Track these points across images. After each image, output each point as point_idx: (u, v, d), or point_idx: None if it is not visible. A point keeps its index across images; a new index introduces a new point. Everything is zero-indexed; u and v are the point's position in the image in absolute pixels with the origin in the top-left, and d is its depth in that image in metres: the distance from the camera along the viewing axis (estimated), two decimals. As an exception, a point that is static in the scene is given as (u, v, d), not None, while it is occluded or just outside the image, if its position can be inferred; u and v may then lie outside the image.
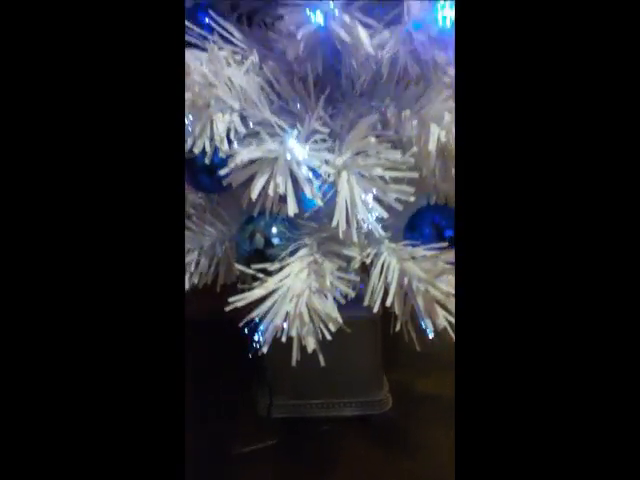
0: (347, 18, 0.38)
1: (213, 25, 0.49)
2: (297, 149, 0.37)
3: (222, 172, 0.38)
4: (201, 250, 0.47)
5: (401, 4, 0.41)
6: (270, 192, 0.36)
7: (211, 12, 0.48)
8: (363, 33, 0.38)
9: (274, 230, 0.45)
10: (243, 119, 0.42)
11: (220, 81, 0.40)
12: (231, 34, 0.48)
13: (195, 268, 0.46)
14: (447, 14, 0.36)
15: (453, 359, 0.30)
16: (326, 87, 0.49)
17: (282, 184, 0.36)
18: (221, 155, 0.39)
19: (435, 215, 0.47)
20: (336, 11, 0.38)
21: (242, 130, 0.40)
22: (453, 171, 0.43)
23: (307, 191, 0.37)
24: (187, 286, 0.45)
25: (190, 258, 0.46)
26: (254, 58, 0.46)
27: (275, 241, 0.45)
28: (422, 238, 0.48)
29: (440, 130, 0.44)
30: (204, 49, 0.47)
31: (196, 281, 0.46)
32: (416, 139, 0.45)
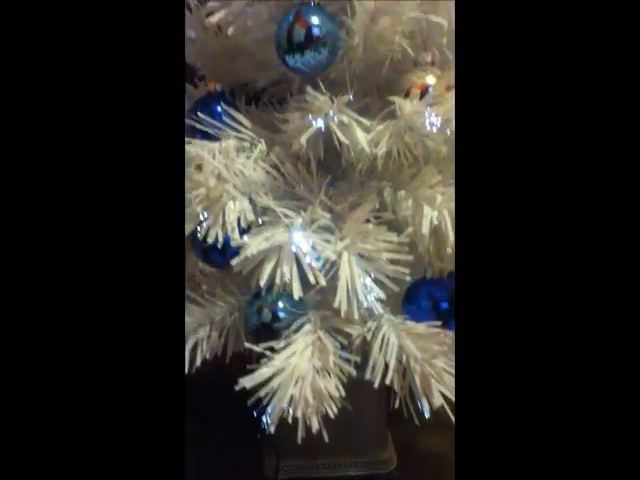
0: (345, 119, 0.43)
1: (224, 112, 0.54)
2: (301, 240, 0.41)
3: (233, 263, 0.42)
4: (212, 323, 0.50)
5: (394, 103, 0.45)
6: (277, 280, 0.40)
7: (222, 104, 0.54)
8: (360, 134, 0.42)
9: (280, 305, 0.48)
10: (252, 204, 0.46)
11: (231, 173, 0.44)
12: (240, 124, 0.52)
13: (207, 343, 0.49)
14: (435, 120, 0.40)
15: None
16: (328, 167, 0.53)
17: (288, 273, 0.39)
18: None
19: (431, 288, 0.50)
20: (335, 113, 0.42)
21: (251, 217, 0.44)
22: (447, 250, 0.46)
23: (310, 276, 0.40)
24: (198, 362, 0.48)
25: (202, 334, 0.49)
26: (262, 146, 0.51)
27: (281, 315, 0.48)
28: (419, 310, 0.51)
29: (433, 212, 0.47)
30: (216, 138, 0.52)
31: (207, 356, 0.49)
32: (411, 219, 0.49)
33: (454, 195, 0.47)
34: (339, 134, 0.42)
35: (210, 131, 0.52)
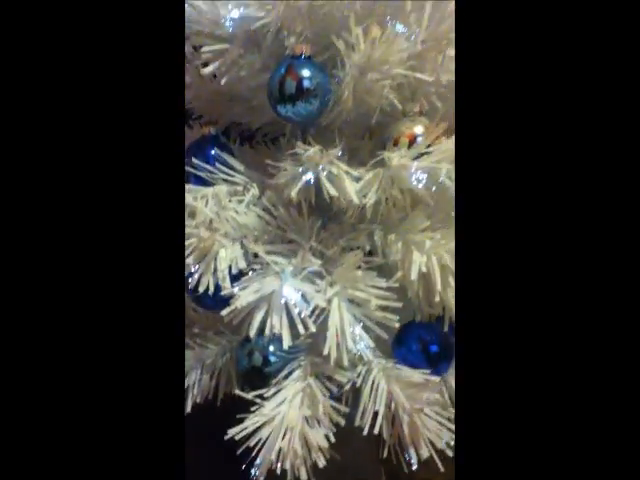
0: (334, 170, 0.44)
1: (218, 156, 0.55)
2: (291, 290, 0.42)
3: (223, 313, 0.42)
4: (203, 366, 0.50)
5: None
6: (267, 331, 0.40)
7: (216, 148, 0.55)
8: (349, 185, 0.43)
9: (271, 349, 0.49)
10: (244, 250, 0.47)
11: (223, 221, 0.45)
12: (233, 168, 0.54)
13: (198, 387, 0.49)
14: (421, 176, 0.41)
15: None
16: (320, 209, 0.54)
17: (277, 324, 0.40)
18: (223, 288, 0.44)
19: (421, 331, 0.51)
20: (325, 166, 0.44)
21: (243, 265, 0.45)
22: (437, 298, 0.47)
23: (300, 326, 0.41)
24: (189, 407, 0.48)
25: (193, 377, 0.49)
26: (254, 190, 0.52)
27: (272, 359, 0.49)
28: (409, 353, 0.51)
29: (422, 257, 0.48)
30: (209, 182, 0.53)
31: (198, 400, 0.49)
32: (400, 263, 0.49)
33: (442, 241, 0.48)
34: (328, 187, 0.43)
35: (203, 175, 0.53)
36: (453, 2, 0.47)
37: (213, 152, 0.56)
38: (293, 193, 0.44)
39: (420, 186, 0.42)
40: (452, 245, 0.48)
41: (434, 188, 0.42)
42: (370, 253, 0.52)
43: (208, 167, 0.53)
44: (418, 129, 0.49)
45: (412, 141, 0.49)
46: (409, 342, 0.51)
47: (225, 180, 0.53)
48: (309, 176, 0.43)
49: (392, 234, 0.51)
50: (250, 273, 0.46)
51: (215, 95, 0.57)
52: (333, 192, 0.43)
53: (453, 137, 0.51)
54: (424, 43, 0.45)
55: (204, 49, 0.49)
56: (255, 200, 0.52)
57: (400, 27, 0.43)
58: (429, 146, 0.48)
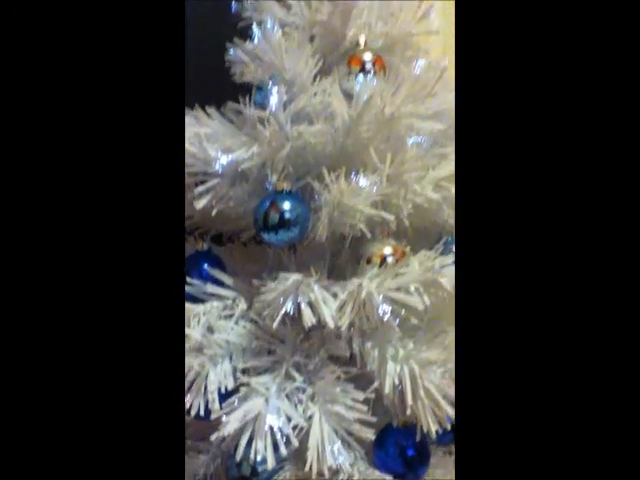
0: (312, 296, 0.49)
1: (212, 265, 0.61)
2: (274, 416, 0.46)
3: (212, 438, 0.47)
4: (195, 477, 0.53)
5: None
6: (251, 456, 0.44)
7: (208, 265, 0.61)
8: (325, 310, 0.49)
9: (259, 459, 0.52)
10: (232, 367, 0.52)
11: (213, 345, 0.50)
12: (223, 284, 0.59)
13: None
14: (386, 308, 0.47)
15: None
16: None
17: (262, 448, 0.44)
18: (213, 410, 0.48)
19: (398, 436, 0.55)
20: (304, 291, 0.49)
21: (231, 385, 0.49)
22: (408, 411, 0.51)
23: (282, 448, 0.45)
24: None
25: (185, 489, 0.52)
26: (243, 305, 0.58)
27: (260, 469, 0.52)
28: (387, 457, 0.55)
29: (396, 366, 0.53)
30: (201, 300, 0.59)
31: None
32: (377, 373, 0.54)
33: (413, 351, 0.53)
34: (305, 315, 0.48)
35: (195, 293, 0.58)
36: (411, 141, 0.55)
37: (205, 266, 0.62)
38: (275, 323, 0.49)
39: (386, 318, 0.48)
40: (423, 355, 0.53)
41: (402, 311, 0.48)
42: (351, 358, 0.56)
43: (201, 285, 0.59)
44: (387, 250, 0.55)
45: (383, 261, 0.55)
46: (387, 446, 0.55)
47: (215, 295, 0.59)
48: (289, 305, 0.48)
49: (369, 342, 0.56)
50: (239, 388, 0.50)
51: (206, 216, 0.63)
52: (311, 320, 0.48)
53: (421, 253, 0.57)
54: (389, 184, 0.52)
55: (198, 189, 0.55)
56: (243, 313, 0.58)
57: (364, 180, 0.50)
58: (397, 263, 0.54)
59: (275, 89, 0.51)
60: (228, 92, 0.61)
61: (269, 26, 0.54)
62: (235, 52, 0.60)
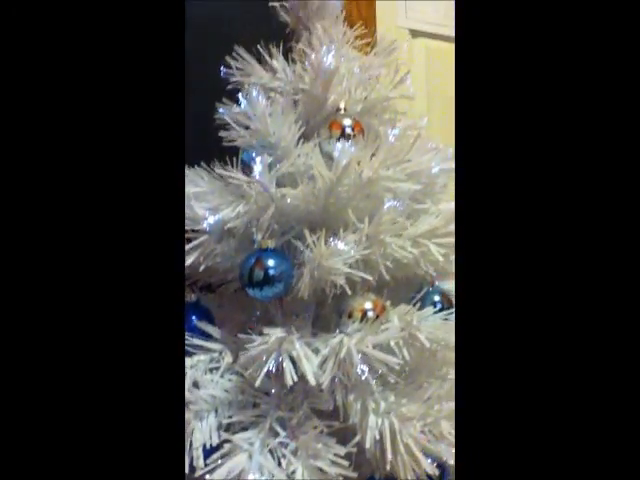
0: (294, 354, 0.51)
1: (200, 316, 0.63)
2: (257, 476, 0.47)
3: None
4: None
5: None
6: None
7: (195, 318, 0.63)
8: (307, 366, 0.51)
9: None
10: (217, 422, 0.53)
11: (199, 401, 0.52)
12: (210, 336, 0.61)
13: None
14: (363, 369, 0.49)
15: None
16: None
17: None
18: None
19: (380, 491, 0.56)
20: (287, 349, 0.51)
21: (216, 441, 0.51)
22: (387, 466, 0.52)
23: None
24: None
25: None
26: (228, 358, 0.59)
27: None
28: (372, 510, 0.56)
29: (377, 419, 0.54)
30: (188, 353, 0.60)
31: None
32: (358, 426, 0.55)
33: (393, 405, 0.55)
34: (287, 374, 0.50)
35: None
36: (387, 205, 0.58)
37: (194, 318, 0.64)
38: (258, 381, 0.51)
39: (364, 377, 0.50)
40: (403, 409, 0.55)
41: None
42: (334, 411, 0.58)
43: (189, 338, 0.60)
44: (367, 304, 0.58)
45: (364, 315, 0.58)
46: (371, 500, 0.56)
47: (202, 347, 0.60)
48: (271, 363, 0.50)
49: (351, 394, 0.58)
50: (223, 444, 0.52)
51: (195, 269, 0.65)
52: (293, 379, 0.50)
53: (400, 307, 0.60)
54: (368, 243, 0.54)
55: (186, 246, 0.58)
56: (229, 366, 0.59)
57: (342, 244, 0.53)
58: (377, 318, 0.56)
59: (259, 159, 0.54)
60: (216, 148, 0.64)
61: (254, 94, 0.57)
62: (224, 112, 0.64)
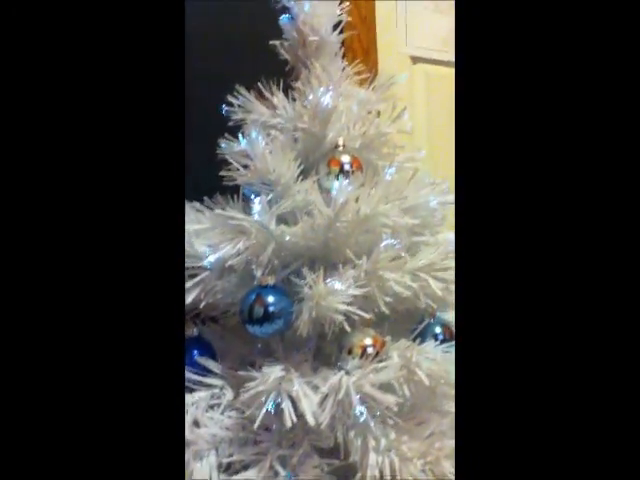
0: (294, 393, 0.51)
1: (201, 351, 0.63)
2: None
3: None
4: None
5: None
6: None
7: (197, 353, 0.63)
8: (306, 404, 0.51)
9: None
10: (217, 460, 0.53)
11: (199, 440, 0.52)
12: (211, 371, 0.61)
13: None
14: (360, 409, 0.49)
15: None
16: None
17: None
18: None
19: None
20: (286, 387, 0.51)
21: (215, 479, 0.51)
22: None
23: None
24: None
25: None
26: (229, 395, 0.59)
27: None
28: None
29: (378, 457, 0.54)
30: (189, 389, 0.60)
31: None
32: (359, 464, 0.55)
33: (395, 442, 0.54)
34: (286, 415, 0.50)
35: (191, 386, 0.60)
36: (385, 243, 0.58)
37: (195, 353, 0.64)
38: (257, 422, 0.51)
39: (362, 419, 0.50)
40: (403, 447, 0.55)
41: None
42: (335, 448, 0.57)
43: (190, 375, 0.61)
44: (367, 341, 0.58)
45: (363, 351, 0.58)
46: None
47: (203, 383, 0.61)
48: (270, 404, 0.51)
49: (352, 431, 0.57)
50: None
51: (196, 304, 0.66)
52: (293, 419, 0.50)
53: (401, 342, 0.60)
54: (366, 280, 0.55)
55: (187, 284, 0.59)
56: (230, 403, 0.59)
57: (339, 284, 0.54)
58: (377, 354, 0.56)
59: (258, 199, 0.55)
60: (218, 181, 0.66)
61: (254, 135, 0.58)
62: (225, 147, 0.65)
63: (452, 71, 1.48)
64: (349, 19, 0.70)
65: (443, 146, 1.20)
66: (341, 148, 0.62)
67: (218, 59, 0.87)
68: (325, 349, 0.62)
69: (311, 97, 0.60)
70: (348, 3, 0.70)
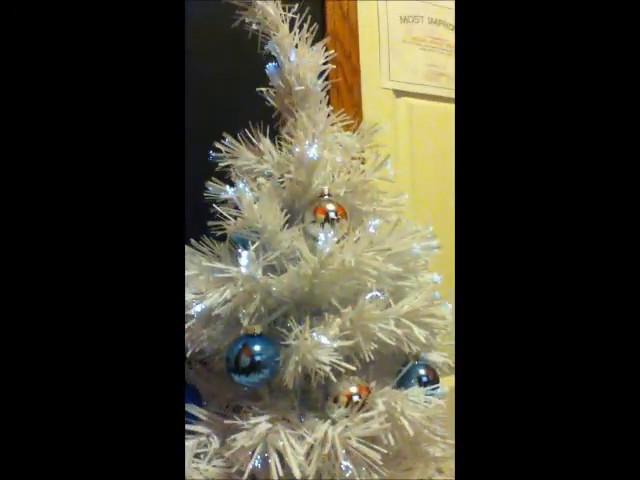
0: (280, 444, 0.52)
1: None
2: None
3: None
4: None
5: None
6: None
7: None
8: (293, 461, 0.51)
9: None
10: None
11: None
12: (199, 418, 0.61)
13: None
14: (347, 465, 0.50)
15: None
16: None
17: None
18: None
19: None
20: (272, 439, 0.52)
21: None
22: None
23: None
24: None
25: None
26: (215, 444, 0.59)
27: None
28: None
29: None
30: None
31: None
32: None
33: None
34: (272, 470, 0.51)
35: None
36: (369, 296, 0.60)
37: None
38: (245, 476, 0.51)
39: (348, 474, 0.50)
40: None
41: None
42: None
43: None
44: (353, 389, 0.59)
45: (349, 399, 0.58)
46: None
47: (192, 435, 0.60)
48: (256, 460, 0.51)
49: None
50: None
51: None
52: (279, 473, 0.51)
53: (386, 389, 0.61)
54: (351, 329, 0.56)
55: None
56: (216, 450, 0.59)
57: (324, 338, 0.55)
58: (364, 404, 0.57)
59: (245, 253, 0.56)
60: (205, 220, 0.66)
61: (241, 186, 0.60)
62: (212, 191, 0.66)
63: (434, 104, 1.52)
64: (333, 67, 0.73)
65: (426, 185, 1.24)
66: (326, 197, 0.64)
67: (205, 105, 0.88)
68: (311, 394, 0.63)
69: (297, 149, 0.62)
70: (333, 51, 0.73)
